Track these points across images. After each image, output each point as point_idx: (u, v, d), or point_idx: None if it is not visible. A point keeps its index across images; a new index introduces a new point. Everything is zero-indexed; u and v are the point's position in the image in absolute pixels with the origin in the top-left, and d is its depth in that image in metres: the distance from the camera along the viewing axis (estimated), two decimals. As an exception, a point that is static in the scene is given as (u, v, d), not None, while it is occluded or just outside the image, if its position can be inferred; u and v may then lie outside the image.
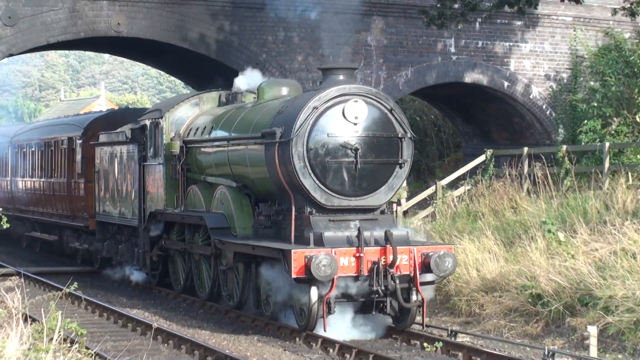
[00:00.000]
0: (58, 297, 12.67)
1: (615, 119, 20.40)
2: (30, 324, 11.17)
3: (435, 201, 20.39)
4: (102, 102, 53.78)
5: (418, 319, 13.32)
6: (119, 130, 19.77)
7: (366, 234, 12.99)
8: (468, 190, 20.26)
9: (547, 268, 14.18)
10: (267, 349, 12.86)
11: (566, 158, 18.96)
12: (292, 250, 12.68)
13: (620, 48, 21.29)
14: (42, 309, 11.16)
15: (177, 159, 16.67)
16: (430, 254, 13.08)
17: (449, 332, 13.41)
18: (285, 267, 12.78)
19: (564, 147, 19.47)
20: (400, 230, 13.61)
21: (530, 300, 13.99)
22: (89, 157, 21.55)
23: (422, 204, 21.02)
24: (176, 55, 21.44)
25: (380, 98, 13.72)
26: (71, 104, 57.48)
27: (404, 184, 16.15)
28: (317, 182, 13.35)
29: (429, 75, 22.33)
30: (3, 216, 12.54)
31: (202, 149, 16.30)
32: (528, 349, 12.67)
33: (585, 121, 20.90)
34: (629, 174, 17.16)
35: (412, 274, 13.05)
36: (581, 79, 23.18)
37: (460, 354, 12.25)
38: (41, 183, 25.29)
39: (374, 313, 13.39)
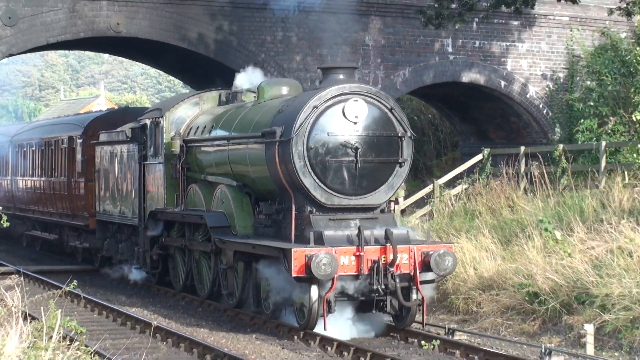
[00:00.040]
0: (57, 295, 12.71)
1: (611, 118, 20.48)
2: (30, 322, 11.20)
3: (432, 200, 20.45)
4: (102, 102, 53.82)
5: (418, 317, 13.32)
6: (119, 129, 19.79)
7: (366, 232, 12.98)
8: (465, 189, 20.33)
9: (544, 266, 14.23)
10: (265, 347, 12.89)
11: (563, 157, 19.02)
12: (293, 249, 12.67)
13: (617, 48, 21.36)
14: (42, 307, 11.18)
15: (177, 158, 16.66)
16: (430, 252, 13.08)
17: (447, 330, 13.45)
18: (286, 266, 12.78)
19: (561, 146, 19.53)
20: (400, 229, 13.60)
21: (527, 298, 14.03)
22: (89, 156, 21.57)
23: (420, 203, 21.08)
24: (175, 55, 21.49)
25: (381, 97, 13.72)
26: (71, 103, 57.51)
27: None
28: (317, 181, 13.35)
29: (427, 75, 22.40)
30: (3, 215, 12.59)
31: (203, 148, 16.30)
32: (525, 347, 12.72)
33: (582, 120, 20.98)
34: (625, 172, 17.21)
35: (412, 273, 13.05)
36: (578, 78, 23.26)
37: (457, 352, 12.28)
38: (41, 182, 25.32)
39: (374, 312, 13.40)
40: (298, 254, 12.63)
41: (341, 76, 13.74)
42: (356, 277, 12.94)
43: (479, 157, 21.11)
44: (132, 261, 19.09)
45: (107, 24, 19.85)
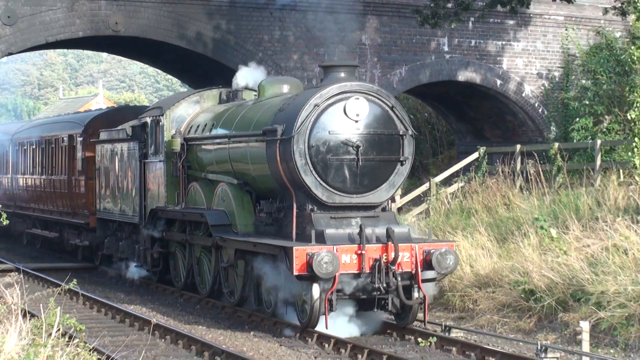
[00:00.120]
0: (56, 292, 12.74)
1: (606, 116, 20.54)
2: (29, 319, 11.25)
3: (429, 198, 20.52)
4: (100, 101, 53.83)
5: (419, 315, 13.32)
6: (119, 127, 19.82)
7: (368, 231, 12.95)
8: (461, 187, 20.39)
9: (539, 264, 14.28)
10: (263, 344, 12.94)
11: (558, 155, 19.08)
12: (294, 248, 12.63)
13: (612, 47, 21.43)
14: (41, 305, 11.23)
15: (177, 156, 16.66)
16: (431, 251, 13.04)
17: (443, 328, 13.48)
18: (287, 264, 12.74)
19: (556, 144, 19.59)
20: (402, 227, 13.56)
21: (523, 295, 14.09)
22: (89, 154, 21.59)
23: (416, 201, 21.14)
24: (173, 53, 21.54)
25: (382, 95, 13.70)
26: (69, 102, 57.47)
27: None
28: (318, 179, 13.31)
29: (423, 74, 22.47)
30: (3, 213, 12.63)
31: (203, 147, 16.28)
32: (521, 344, 12.77)
33: (577, 119, 21.04)
34: (620, 171, 17.28)
35: (413, 271, 13.02)
36: (573, 77, 23.34)
37: (454, 349, 12.35)
38: (42, 180, 25.33)
39: (375, 310, 13.39)
40: (299, 253, 12.59)
41: (342, 74, 13.71)
42: (358, 275, 12.90)
43: (475, 155, 21.18)
44: (132, 259, 19.09)
45: (106, 23, 19.91)
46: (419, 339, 12.88)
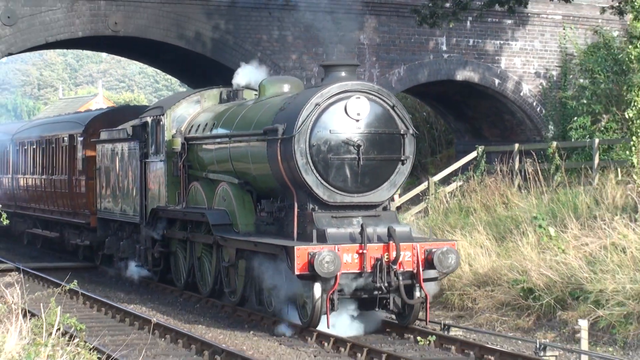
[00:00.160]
0: (57, 292, 12.77)
1: (604, 115, 20.59)
2: (30, 319, 11.28)
3: (427, 197, 20.56)
4: (100, 100, 53.92)
5: (421, 315, 13.30)
6: (120, 127, 19.80)
7: (369, 230, 12.92)
8: (460, 186, 20.44)
9: (538, 262, 14.31)
10: (262, 343, 12.96)
11: (556, 154, 19.13)
12: (295, 247, 12.58)
13: (609, 46, 21.50)
14: (42, 304, 11.26)
15: (178, 155, 16.64)
16: (433, 250, 13.00)
17: (442, 326, 13.49)
18: (289, 263, 12.70)
19: (554, 143, 19.65)
20: (403, 226, 13.53)
21: (521, 294, 14.12)
22: (90, 154, 21.57)
23: (415, 200, 21.18)
24: (172, 53, 21.59)
25: (382, 94, 13.66)
26: (69, 102, 57.56)
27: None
28: (319, 178, 13.27)
29: (421, 73, 22.52)
30: (3, 212, 12.65)
31: (204, 146, 16.26)
32: (520, 342, 12.79)
33: (575, 118, 21.10)
34: (618, 169, 17.33)
35: (415, 271, 13.00)
36: (571, 76, 23.40)
37: (453, 348, 12.37)
38: (42, 180, 25.33)
39: (377, 310, 13.38)
40: (301, 252, 12.54)
41: (343, 74, 13.67)
42: (359, 274, 12.86)
43: (473, 154, 21.23)
44: (133, 259, 19.06)
45: (105, 23, 19.95)
46: (418, 338, 12.90)
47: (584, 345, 11.69)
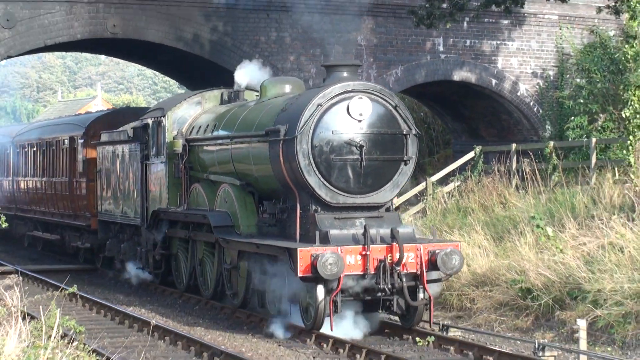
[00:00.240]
0: (55, 296, 12.77)
1: (601, 115, 20.62)
2: (29, 321, 11.29)
3: (425, 197, 20.59)
4: (99, 103, 53.97)
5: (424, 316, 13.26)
6: (120, 129, 19.73)
7: (372, 231, 12.81)
8: (458, 186, 20.47)
9: (536, 262, 14.33)
10: (262, 344, 12.97)
11: (554, 154, 19.16)
12: (298, 249, 12.48)
13: (606, 45, 21.53)
14: (41, 307, 11.28)
15: (179, 157, 16.56)
16: (436, 251, 12.90)
17: (441, 327, 13.49)
18: (291, 265, 12.61)
19: (552, 143, 19.68)
20: (406, 227, 13.45)
21: (520, 294, 14.14)
22: (90, 156, 21.54)
23: (413, 200, 21.21)
24: (171, 55, 21.61)
25: (385, 95, 13.58)
26: (68, 104, 57.64)
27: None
28: (322, 179, 13.20)
29: (418, 74, 22.56)
30: (2, 215, 12.67)
31: (205, 147, 16.18)
32: (518, 342, 12.81)
33: (572, 117, 21.14)
34: (615, 169, 17.35)
35: (418, 272, 12.91)
36: (567, 76, 23.44)
37: (452, 348, 12.39)
38: (43, 182, 25.29)
39: (380, 312, 13.31)
40: (304, 254, 12.43)
41: (345, 74, 13.58)
42: (362, 276, 12.77)
43: (471, 154, 21.26)
44: (134, 261, 18.99)
45: (104, 26, 19.98)
46: (417, 339, 12.91)
47: (583, 345, 11.72)
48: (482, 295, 14.70)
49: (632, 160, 17.24)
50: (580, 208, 15.94)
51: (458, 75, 22.93)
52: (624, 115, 18.49)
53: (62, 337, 10.69)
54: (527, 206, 17.06)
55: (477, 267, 15.27)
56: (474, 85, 23.25)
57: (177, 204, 16.84)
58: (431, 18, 19.76)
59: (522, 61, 23.54)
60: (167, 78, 64.96)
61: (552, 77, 23.67)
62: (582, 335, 11.68)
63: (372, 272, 12.74)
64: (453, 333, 13.38)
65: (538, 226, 15.30)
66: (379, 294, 12.87)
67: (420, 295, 13.01)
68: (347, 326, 13.23)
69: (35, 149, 26.24)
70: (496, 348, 12.12)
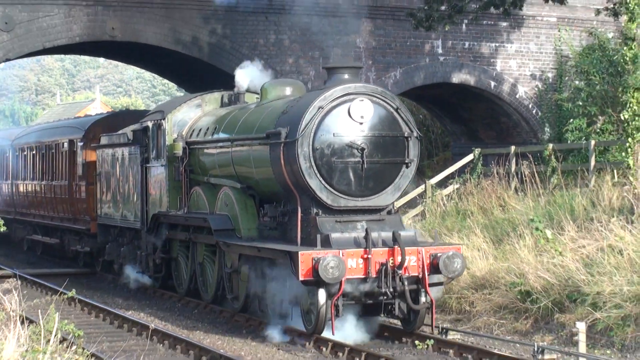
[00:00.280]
0: (54, 300, 12.76)
1: (600, 117, 20.62)
2: (28, 325, 11.28)
3: (424, 200, 20.58)
4: (97, 106, 54.02)
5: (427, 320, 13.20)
6: (120, 132, 19.68)
7: (373, 234, 12.74)
8: (457, 189, 20.46)
9: (535, 265, 14.33)
10: (260, 348, 12.96)
11: (552, 156, 19.14)
12: (299, 252, 12.40)
13: (604, 47, 21.51)
14: (40, 311, 11.26)
15: (179, 160, 16.51)
16: (438, 254, 12.84)
17: (440, 330, 13.49)
18: (293, 269, 12.54)
19: (550, 145, 19.66)
20: (408, 230, 13.39)
21: (519, 297, 14.13)
22: (90, 159, 21.51)
23: (412, 203, 21.21)
24: (169, 58, 21.61)
25: (386, 97, 13.53)
26: (67, 107, 57.66)
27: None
28: (323, 182, 13.14)
29: (417, 76, 22.56)
30: (0, 219, 12.66)
31: (206, 150, 16.14)
32: (518, 345, 12.82)
33: (571, 120, 21.11)
34: (615, 171, 17.35)
35: (420, 275, 12.85)
36: (566, 78, 23.45)
37: (451, 352, 12.37)
38: (42, 186, 25.24)
39: (382, 315, 13.25)
40: (305, 257, 12.36)
41: (346, 76, 13.54)
42: (364, 280, 12.69)
43: (470, 157, 21.25)
44: (134, 265, 18.92)
45: (103, 29, 19.98)
46: (416, 342, 12.90)
47: (582, 348, 11.72)
48: (482, 298, 14.70)
49: (631, 162, 17.24)
50: (579, 210, 15.94)
51: (457, 78, 22.93)
52: (622, 118, 18.49)
53: (61, 341, 10.71)
54: (526, 209, 17.06)
55: (476, 270, 15.26)
56: (472, 87, 23.25)
57: (178, 207, 16.79)
58: (430, 20, 19.78)
59: (520, 63, 23.54)
60: (165, 81, 65.07)
61: (550, 80, 23.67)
62: (582, 338, 11.68)
63: (374, 276, 12.67)
64: (452, 336, 13.37)
65: (537, 229, 15.30)
66: (381, 297, 12.81)
67: (422, 299, 12.96)
68: (347, 330, 13.18)
69: (34, 152, 26.21)
70: (495, 351, 12.13)
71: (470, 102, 24.21)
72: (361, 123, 13.26)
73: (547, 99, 23.43)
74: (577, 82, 22.26)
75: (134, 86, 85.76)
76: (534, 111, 23.60)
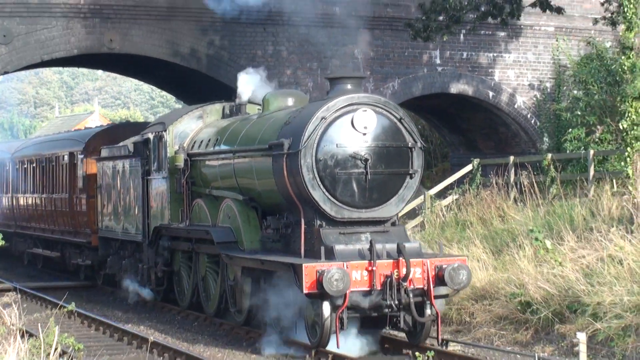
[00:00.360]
0: (54, 313, 12.75)
1: (598, 126, 20.63)
2: (28, 339, 11.26)
3: (424, 211, 20.58)
4: (96, 118, 54.04)
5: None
6: (121, 144, 19.58)
7: (378, 246, 12.59)
8: (456, 199, 20.47)
9: (535, 276, 14.31)
10: (261, 360, 13.00)
11: (551, 166, 19.16)
12: (304, 265, 12.26)
13: (602, 57, 21.55)
14: (39, 324, 11.25)
15: (181, 172, 16.40)
16: (444, 266, 12.69)
17: (440, 341, 13.35)
18: (297, 282, 12.41)
19: (549, 155, 19.68)
20: (413, 242, 13.26)
21: (519, 307, 14.12)
22: (90, 172, 21.41)
23: (411, 214, 21.21)
24: (168, 70, 21.64)
25: (389, 107, 13.41)
26: (66, 119, 57.70)
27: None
28: (326, 193, 13.00)
29: (415, 87, 22.58)
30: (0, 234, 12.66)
31: (207, 162, 16.03)
32: (518, 356, 12.79)
33: (570, 129, 21.13)
34: (614, 180, 17.36)
35: (425, 288, 12.67)
36: (564, 88, 23.47)
37: (451, 363, 12.43)
38: (43, 199, 25.13)
39: (387, 328, 13.12)
40: (309, 270, 12.20)
41: (349, 86, 13.42)
42: (369, 292, 12.53)
43: (468, 167, 21.26)
44: (135, 278, 18.78)
45: (101, 41, 20.00)
46: (417, 353, 12.82)
47: (583, 358, 11.69)
48: (482, 309, 14.68)
49: (630, 172, 17.25)
50: (578, 220, 15.94)
51: (455, 88, 22.95)
52: (621, 127, 18.51)
53: (61, 355, 10.69)
54: (525, 219, 17.06)
55: (476, 281, 15.22)
56: (471, 97, 23.27)
57: (179, 219, 16.67)
58: (428, 31, 19.80)
59: (519, 73, 23.57)
60: (164, 93, 65.10)
61: (549, 89, 23.70)
62: (582, 348, 11.66)
63: (379, 288, 12.53)
64: (453, 347, 13.32)
65: (537, 239, 15.30)
66: (386, 310, 12.66)
67: (428, 311, 12.83)
68: (347, 341, 13.07)
69: (34, 164, 26.15)
70: (496, 362, 12.12)
71: (469, 113, 24.22)
72: (364, 134, 13.14)
73: (546, 109, 23.45)
74: (575, 92, 22.27)
75: (133, 98, 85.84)
76: (532, 121, 23.62)
